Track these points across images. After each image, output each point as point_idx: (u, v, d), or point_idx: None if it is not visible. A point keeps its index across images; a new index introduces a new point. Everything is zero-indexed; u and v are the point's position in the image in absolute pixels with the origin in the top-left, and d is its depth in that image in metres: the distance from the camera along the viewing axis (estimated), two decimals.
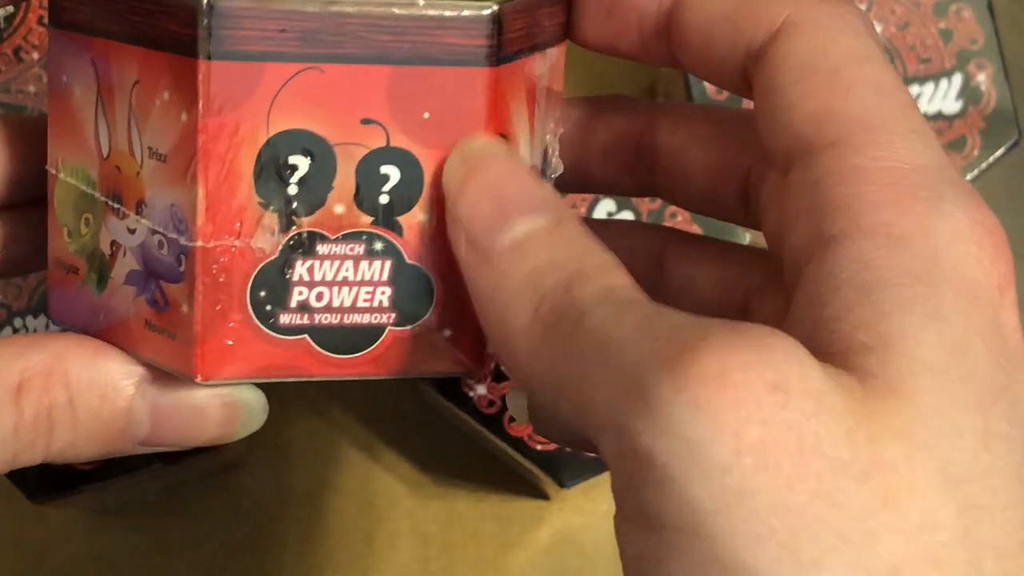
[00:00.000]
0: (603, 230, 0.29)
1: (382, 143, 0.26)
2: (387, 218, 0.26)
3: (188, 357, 0.26)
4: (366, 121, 0.26)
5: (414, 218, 0.26)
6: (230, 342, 0.26)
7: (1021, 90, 0.49)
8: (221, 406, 0.28)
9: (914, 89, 0.48)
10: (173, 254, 0.26)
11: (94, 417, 0.28)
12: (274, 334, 0.26)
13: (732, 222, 0.31)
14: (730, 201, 0.30)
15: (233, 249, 0.26)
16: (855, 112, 0.25)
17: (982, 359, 0.23)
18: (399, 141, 0.26)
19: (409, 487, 0.49)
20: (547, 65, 0.28)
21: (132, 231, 0.27)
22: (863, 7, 0.48)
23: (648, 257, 0.31)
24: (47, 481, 0.43)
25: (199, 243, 0.25)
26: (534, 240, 0.25)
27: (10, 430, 0.27)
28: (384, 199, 0.26)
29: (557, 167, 0.29)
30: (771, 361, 0.21)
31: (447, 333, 0.27)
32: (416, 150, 0.26)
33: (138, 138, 0.26)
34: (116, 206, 0.27)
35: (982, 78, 0.48)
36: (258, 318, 0.26)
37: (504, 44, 0.26)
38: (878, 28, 0.48)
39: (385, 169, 0.26)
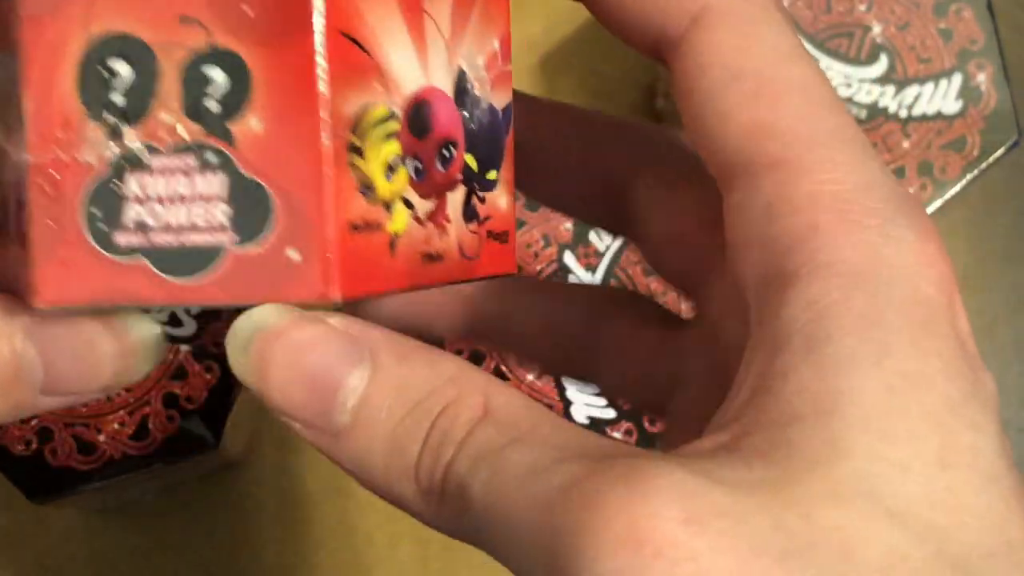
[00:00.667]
0: (529, 302, 0.31)
1: (202, 43, 0.24)
2: (218, 126, 0.24)
3: (27, 281, 0.25)
4: (184, 19, 0.24)
5: (247, 125, 0.24)
6: (66, 264, 0.24)
7: (1021, 90, 0.49)
8: (113, 339, 0.26)
9: (914, 89, 0.48)
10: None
11: None
12: (110, 255, 0.24)
13: (597, 226, 0.32)
14: (596, 206, 0.31)
15: (60, 163, 0.24)
16: (792, 126, 0.24)
17: (938, 379, 0.23)
18: (222, 40, 0.24)
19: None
20: None
21: None
22: (863, 7, 0.48)
23: (578, 322, 0.32)
24: (47, 481, 0.43)
25: (26, 156, 0.24)
26: (372, 402, 0.24)
27: None
28: (212, 105, 0.24)
29: (480, 101, 0.26)
30: (671, 496, 0.21)
31: (293, 254, 0.24)
32: (241, 50, 0.24)
33: None
34: None
35: (982, 78, 0.48)
36: (93, 238, 0.24)
37: None
38: (878, 28, 0.48)
39: (210, 72, 0.24)
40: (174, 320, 0.43)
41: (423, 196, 0.25)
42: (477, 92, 0.26)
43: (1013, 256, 0.54)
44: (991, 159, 0.48)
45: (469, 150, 0.26)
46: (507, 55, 0.27)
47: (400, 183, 0.25)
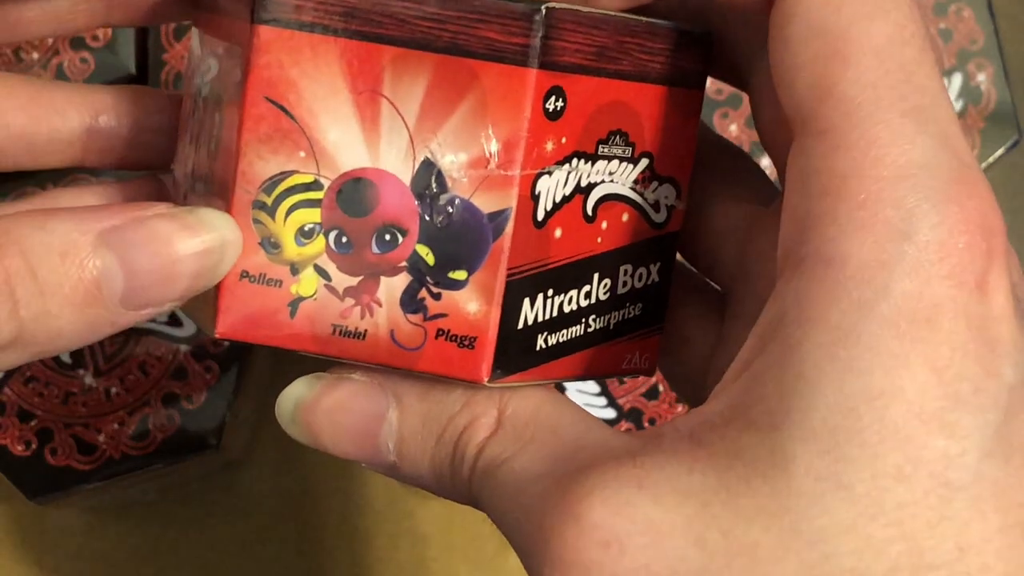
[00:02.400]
0: None
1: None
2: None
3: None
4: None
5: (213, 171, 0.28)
6: None
7: (1021, 90, 0.49)
8: (191, 237, 0.25)
9: None
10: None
11: (60, 279, 0.24)
12: None
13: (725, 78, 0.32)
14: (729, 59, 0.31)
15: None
16: (853, 93, 0.24)
17: (910, 391, 0.22)
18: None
19: (409, 487, 0.49)
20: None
21: None
22: None
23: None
24: (47, 481, 0.43)
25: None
26: (407, 439, 0.27)
27: None
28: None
29: (452, 196, 0.26)
30: (601, 517, 0.23)
31: (211, 291, 0.27)
32: (222, 109, 0.27)
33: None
34: None
35: (982, 78, 0.48)
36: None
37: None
38: None
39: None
40: (174, 320, 0.43)
41: (345, 271, 0.26)
42: (448, 187, 0.26)
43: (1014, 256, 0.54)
44: (991, 159, 0.48)
45: (424, 241, 0.26)
46: (511, 160, 0.25)
47: (314, 250, 0.26)
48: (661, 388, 0.46)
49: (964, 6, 0.48)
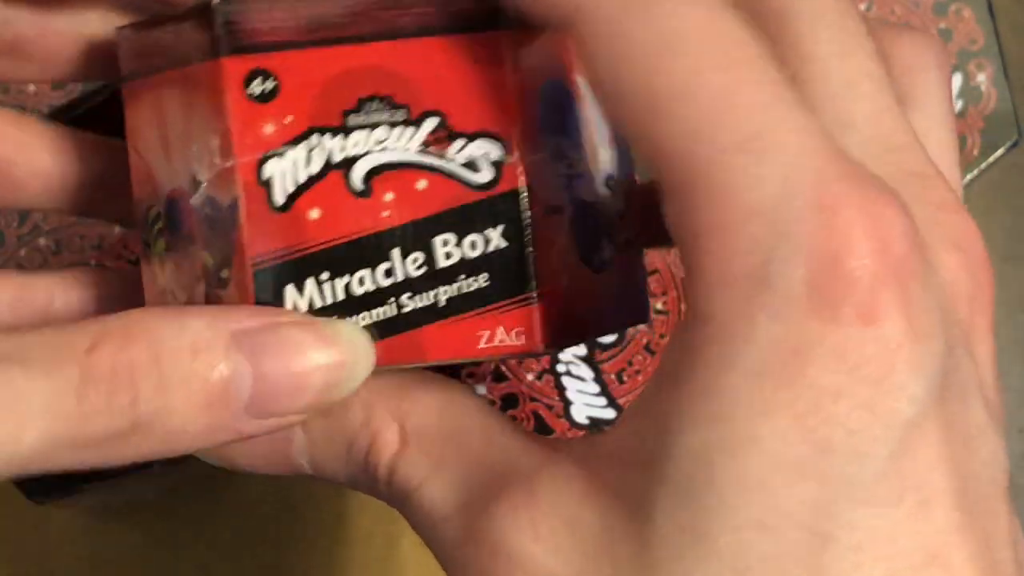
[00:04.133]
0: None
1: None
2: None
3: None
4: None
5: None
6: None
7: (1021, 90, 0.49)
8: (323, 346, 0.25)
9: None
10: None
11: (187, 376, 0.23)
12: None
13: None
14: None
15: None
16: (679, 148, 0.22)
17: (769, 440, 0.21)
18: None
19: None
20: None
21: None
22: (863, 7, 0.48)
23: None
24: (47, 481, 0.43)
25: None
26: (319, 455, 0.27)
27: (75, 387, 0.23)
28: None
29: (203, 206, 0.26)
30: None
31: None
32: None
33: None
34: None
35: (982, 78, 0.48)
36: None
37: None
38: None
39: None
40: None
41: (182, 287, 0.27)
42: (202, 190, 0.26)
43: (1013, 256, 0.54)
44: (991, 159, 0.48)
45: (204, 248, 0.26)
46: (226, 150, 0.25)
47: (167, 277, 0.27)
48: None
49: (964, 6, 0.48)
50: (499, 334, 0.27)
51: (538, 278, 0.26)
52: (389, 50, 0.26)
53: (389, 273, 0.26)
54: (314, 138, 0.26)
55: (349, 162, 0.26)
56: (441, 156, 0.26)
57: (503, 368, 0.45)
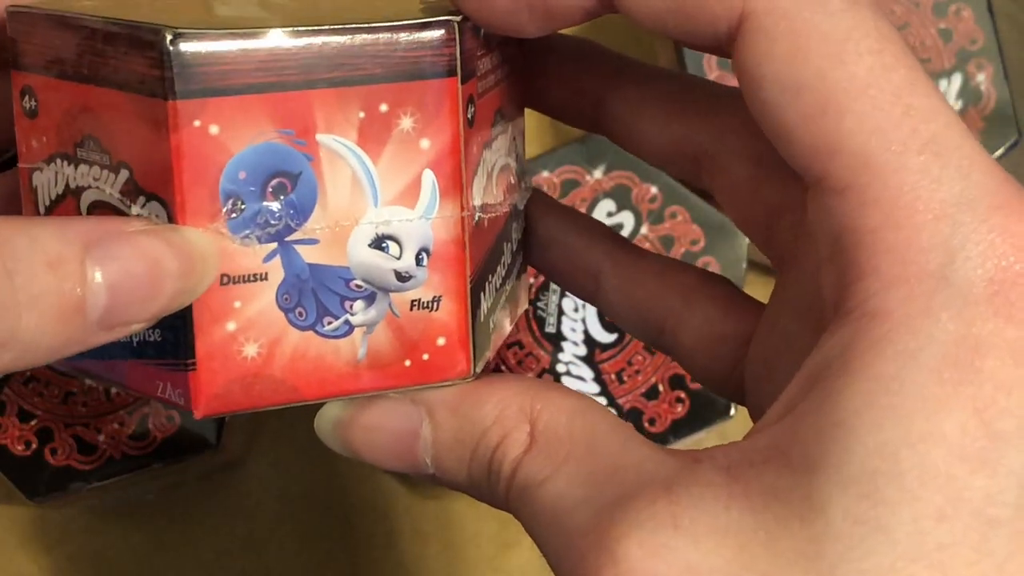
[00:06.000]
0: (542, 251, 0.31)
1: None
2: None
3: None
4: None
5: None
6: None
7: (1021, 90, 0.49)
8: (176, 256, 0.24)
9: None
10: None
11: (42, 291, 0.23)
12: None
13: (687, 180, 0.32)
14: (684, 167, 0.30)
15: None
16: (859, 145, 0.23)
17: (951, 433, 0.22)
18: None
19: (408, 487, 0.49)
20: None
21: None
22: None
23: (586, 274, 0.32)
24: (47, 481, 0.43)
25: None
26: (442, 455, 0.27)
27: None
28: None
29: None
30: (630, 563, 0.23)
31: None
32: None
33: None
34: None
35: (982, 78, 0.48)
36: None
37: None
38: None
39: None
40: None
41: None
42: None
43: None
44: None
45: None
46: (19, 154, 0.27)
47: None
48: (661, 388, 0.46)
49: (964, 6, 0.48)
50: (168, 388, 0.26)
51: (196, 348, 0.26)
52: (100, 96, 0.26)
53: None
54: (58, 161, 0.27)
55: (79, 191, 0.26)
56: (130, 207, 0.26)
57: (503, 368, 0.45)
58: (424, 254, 0.26)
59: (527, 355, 0.46)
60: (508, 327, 0.30)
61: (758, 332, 0.29)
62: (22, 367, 0.24)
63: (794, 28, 0.23)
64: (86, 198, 0.26)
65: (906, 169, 0.23)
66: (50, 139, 0.27)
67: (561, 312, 0.46)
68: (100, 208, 0.26)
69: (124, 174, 0.26)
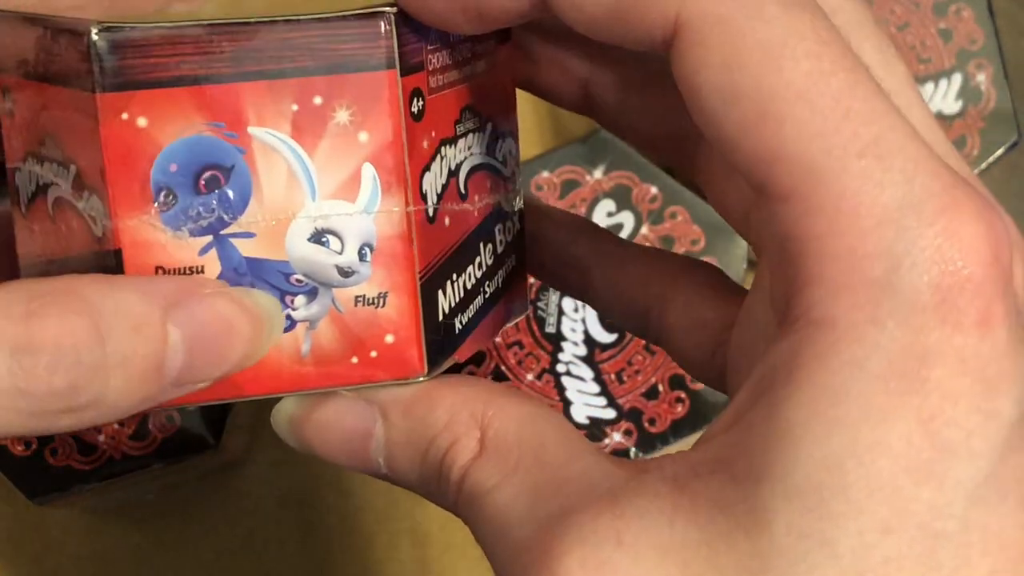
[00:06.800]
0: (528, 250, 0.31)
1: None
2: None
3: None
4: None
5: None
6: None
7: (1021, 90, 0.49)
8: (247, 318, 0.25)
9: None
10: None
11: (128, 354, 0.23)
12: None
13: (674, 166, 0.32)
14: (667, 151, 0.30)
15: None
16: (800, 151, 0.22)
17: (898, 444, 0.22)
18: None
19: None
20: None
21: None
22: None
23: (574, 269, 0.32)
24: (47, 481, 0.43)
25: None
26: (395, 455, 0.27)
27: (8, 356, 0.22)
28: None
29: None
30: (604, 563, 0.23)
31: None
32: None
33: None
34: None
35: (982, 78, 0.48)
36: None
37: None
38: None
39: None
40: None
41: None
42: None
43: None
44: (991, 159, 0.48)
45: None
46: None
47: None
48: (661, 388, 0.46)
49: (964, 6, 0.48)
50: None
51: None
52: (52, 93, 0.26)
53: None
54: (30, 160, 0.27)
55: (45, 188, 0.27)
56: (79, 202, 0.26)
57: (503, 368, 0.45)
58: (367, 249, 0.26)
59: (527, 355, 0.46)
60: (497, 330, 0.30)
61: (739, 320, 0.28)
62: (102, 424, 0.25)
63: (730, 36, 0.22)
64: (51, 195, 0.27)
65: (847, 174, 0.22)
66: (24, 138, 0.27)
67: (561, 312, 0.46)
68: (62, 205, 0.26)
69: (73, 169, 0.26)
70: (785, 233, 0.23)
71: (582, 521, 0.23)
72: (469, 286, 0.28)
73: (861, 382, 0.22)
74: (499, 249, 0.30)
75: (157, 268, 0.25)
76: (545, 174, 0.46)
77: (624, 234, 0.46)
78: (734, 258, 0.46)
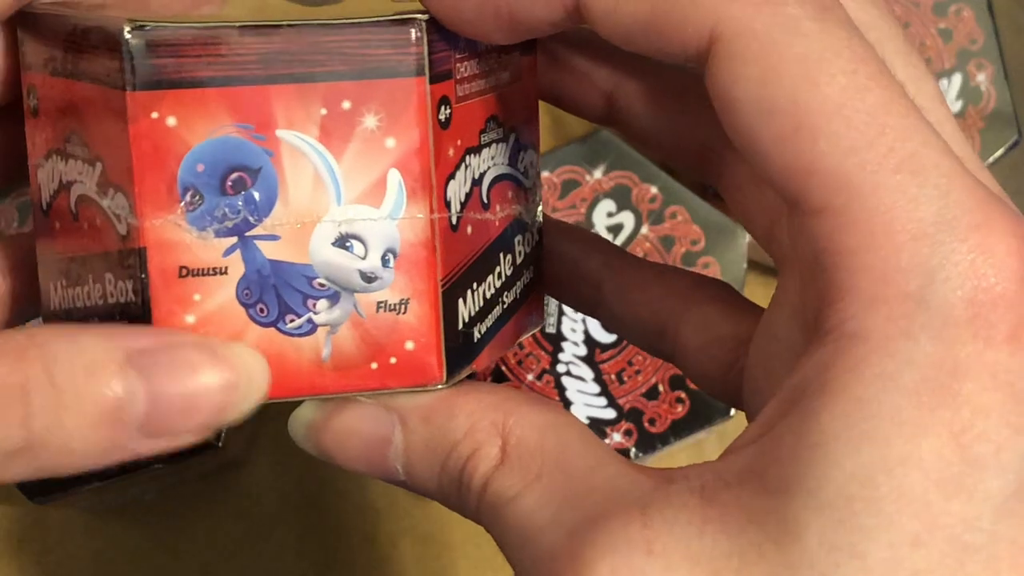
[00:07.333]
0: (546, 257, 0.31)
1: None
2: None
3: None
4: None
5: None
6: None
7: (1021, 90, 0.49)
8: (219, 370, 0.25)
9: None
10: None
11: (80, 394, 0.24)
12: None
13: (692, 174, 0.31)
14: (690, 163, 0.30)
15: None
16: (834, 166, 0.22)
17: (929, 457, 0.22)
18: None
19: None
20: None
21: None
22: None
23: (586, 284, 0.32)
24: (47, 481, 0.43)
25: None
26: (414, 462, 0.27)
27: None
28: None
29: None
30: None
31: None
32: None
33: None
34: None
35: (982, 78, 0.48)
36: None
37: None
38: None
39: None
40: None
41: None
42: None
43: None
44: (991, 159, 0.48)
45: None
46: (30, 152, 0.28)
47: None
48: (661, 388, 0.46)
49: (964, 6, 0.48)
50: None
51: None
52: (80, 90, 0.26)
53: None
54: (53, 157, 0.27)
55: (69, 185, 0.27)
56: (103, 200, 0.26)
57: (503, 368, 0.45)
58: (390, 255, 0.26)
59: (527, 355, 0.46)
60: (513, 341, 0.30)
61: (757, 335, 0.29)
62: (66, 470, 0.24)
63: (765, 50, 0.23)
64: (74, 192, 0.27)
65: (883, 189, 0.22)
66: (47, 135, 0.27)
67: (561, 312, 0.46)
68: (84, 202, 0.26)
69: (99, 167, 0.26)
70: (818, 246, 0.23)
71: (612, 528, 0.23)
72: (488, 296, 0.28)
73: (893, 395, 0.22)
74: (518, 260, 0.30)
75: (181, 268, 0.25)
76: (545, 174, 0.46)
77: (624, 234, 0.46)
78: (734, 258, 0.46)
